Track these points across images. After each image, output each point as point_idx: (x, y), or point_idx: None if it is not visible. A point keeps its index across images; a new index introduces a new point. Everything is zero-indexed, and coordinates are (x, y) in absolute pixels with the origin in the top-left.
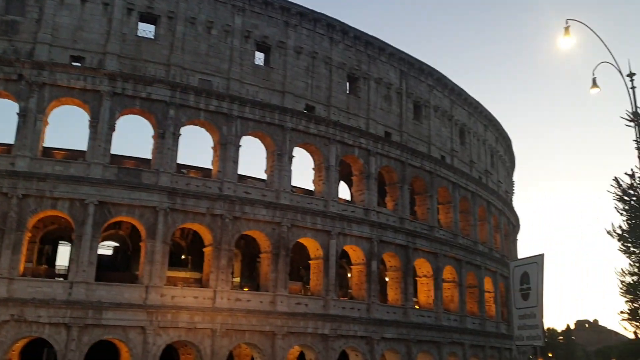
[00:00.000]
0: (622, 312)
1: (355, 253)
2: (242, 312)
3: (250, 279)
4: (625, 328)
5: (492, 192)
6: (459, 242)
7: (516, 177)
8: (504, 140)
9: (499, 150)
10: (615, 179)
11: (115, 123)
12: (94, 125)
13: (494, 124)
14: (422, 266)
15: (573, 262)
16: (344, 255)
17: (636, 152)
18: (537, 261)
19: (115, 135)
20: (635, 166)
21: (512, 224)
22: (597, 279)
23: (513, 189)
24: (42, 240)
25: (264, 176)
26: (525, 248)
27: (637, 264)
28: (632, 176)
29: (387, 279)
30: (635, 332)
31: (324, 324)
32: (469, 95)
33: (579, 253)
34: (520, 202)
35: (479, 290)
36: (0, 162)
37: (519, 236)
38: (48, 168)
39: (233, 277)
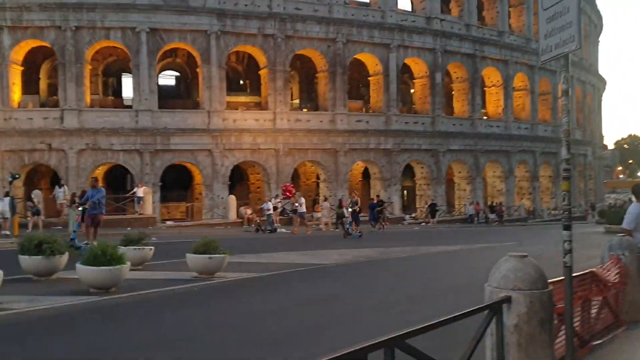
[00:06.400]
0: None
1: (418, 66)
2: (302, 132)
3: (309, 100)
4: None
5: None
6: (531, 46)
7: None
8: None
9: None
10: None
11: None
12: None
13: None
14: (491, 75)
15: None
16: (405, 70)
17: None
18: None
19: None
20: None
21: (593, 24)
22: None
23: None
24: (105, 73)
25: None
26: (606, 54)
27: None
28: None
29: (452, 91)
30: None
31: (386, 139)
32: None
33: None
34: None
35: (553, 97)
36: None
37: (601, 37)
38: None
39: (292, 99)
